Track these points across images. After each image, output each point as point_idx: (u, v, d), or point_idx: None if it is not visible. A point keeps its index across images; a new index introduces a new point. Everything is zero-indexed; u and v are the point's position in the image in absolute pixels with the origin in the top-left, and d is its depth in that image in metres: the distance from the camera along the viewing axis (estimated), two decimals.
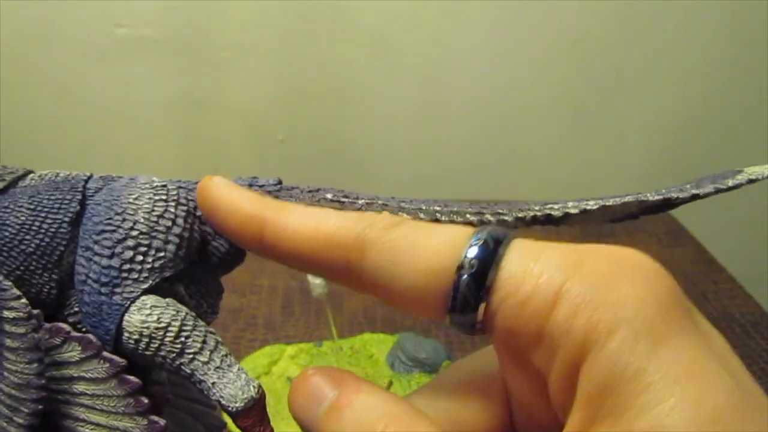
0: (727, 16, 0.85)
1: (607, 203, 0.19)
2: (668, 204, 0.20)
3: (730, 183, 0.20)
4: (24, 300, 0.21)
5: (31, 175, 0.25)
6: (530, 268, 0.16)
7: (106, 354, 0.21)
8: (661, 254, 0.70)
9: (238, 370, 0.21)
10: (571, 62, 0.87)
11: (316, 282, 0.59)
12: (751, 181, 0.20)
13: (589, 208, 0.20)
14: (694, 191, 0.20)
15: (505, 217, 0.21)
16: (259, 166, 0.92)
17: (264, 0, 0.81)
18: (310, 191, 0.23)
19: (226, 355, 0.21)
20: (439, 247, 0.17)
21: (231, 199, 0.20)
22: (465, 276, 0.16)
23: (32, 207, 0.23)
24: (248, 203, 0.20)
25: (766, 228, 0.96)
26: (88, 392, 0.21)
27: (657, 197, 0.19)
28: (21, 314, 0.21)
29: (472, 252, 0.16)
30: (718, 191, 0.20)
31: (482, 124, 0.91)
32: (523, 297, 0.15)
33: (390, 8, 0.82)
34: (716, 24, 0.86)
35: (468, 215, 0.21)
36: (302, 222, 0.18)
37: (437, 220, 0.21)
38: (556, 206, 0.20)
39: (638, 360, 0.14)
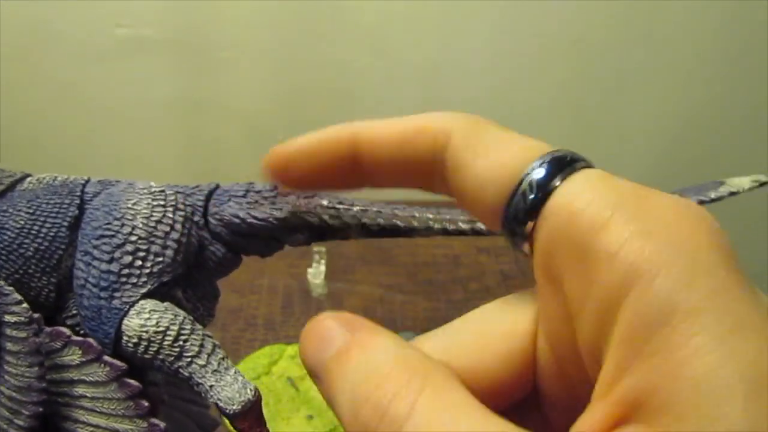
0: (727, 16, 0.85)
1: None
2: None
3: (712, 195, 0.20)
4: (25, 305, 0.21)
5: (29, 179, 0.25)
6: (591, 185, 0.15)
7: (106, 358, 0.21)
8: None
9: (235, 373, 0.22)
10: (571, 62, 0.87)
11: (316, 282, 0.59)
12: (732, 194, 0.20)
13: None
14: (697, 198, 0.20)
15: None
16: (259, 166, 0.92)
17: (264, 0, 0.81)
18: (305, 197, 0.23)
19: (223, 358, 0.22)
20: (516, 150, 0.17)
21: (311, 138, 0.20)
22: (528, 182, 0.16)
23: (31, 211, 0.23)
24: (329, 131, 0.20)
25: (766, 228, 0.96)
26: (88, 395, 0.21)
27: None
28: (22, 318, 0.21)
29: (544, 163, 0.16)
30: (701, 203, 0.20)
31: None
32: (575, 209, 0.15)
33: (390, 8, 0.82)
34: (716, 24, 0.86)
35: (460, 224, 0.21)
36: (391, 123, 0.19)
37: (429, 228, 0.22)
38: None
39: (696, 299, 0.13)
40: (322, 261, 0.64)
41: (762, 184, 0.20)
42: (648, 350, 0.13)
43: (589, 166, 0.16)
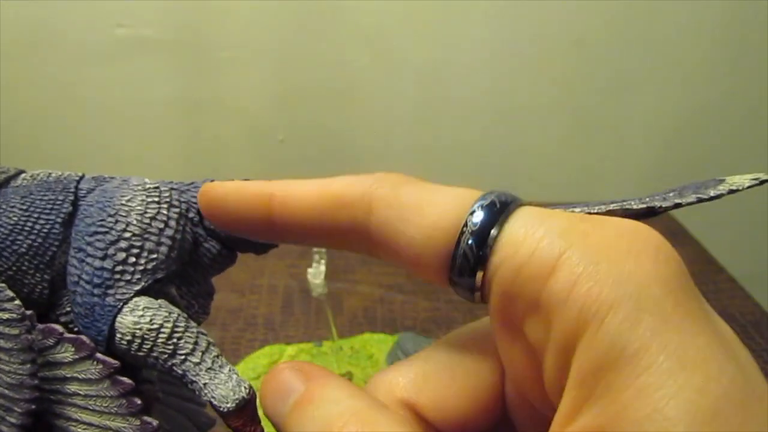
0: (727, 17, 0.85)
1: (592, 210, 0.19)
2: (651, 212, 0.20)
3: (712, 193, 0.20)
4: (18, 301, 0.21)
5: (23, 175, 0.25)
6: (532, 231, 0.15)
7: (99, 355, 0.21)
8: None
9: (230, 371, 0.21)
10: (571, 62, 0.87)
11: (316, 282, 0.59)
12: (731, 191, 0.20)
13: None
14: (677, 200, 0.20)
15: None
16: (259, 166, 0.92)
17: (264, 0, 0.81)
18: None
19: (217, 356, 0.22)
20: (445, 205, 0.16)
21: (234, 188, 0.20)
22: (467, 236, 0.16)
23: (24, 207, 0.23)
24: (252, 185, 0.20)
25: (766, 228, 0.96)
26: (81, 393, 0.21)
27: (641, 205, 0.20)
28: (14, 315, 0.21)
29: (477, 213, 0.16)
30: (699, 200, 0.20)
31: (482, 124, 0.91)
32: (521, 260, 0.15)
33: (390, 8, 0.82)
34: (716, 24, 0.86)
35: None
36: (308, 188, 0.18)
37: None
38: None
39: (640, 339, 0.13)
40: (322, 261, 0.64)
41: (762, 182, 0.20)
42: (597, 393, 0.13)
43: (521, 204, 0.16)
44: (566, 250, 0.14)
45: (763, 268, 0.90)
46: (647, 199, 0.20)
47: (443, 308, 0.60)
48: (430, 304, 0.61)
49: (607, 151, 0.93)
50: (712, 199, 0.20)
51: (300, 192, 0.18)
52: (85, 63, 0.84)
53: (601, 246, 0.14)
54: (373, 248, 0.18)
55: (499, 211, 0.16)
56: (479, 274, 0.16)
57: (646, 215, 0.20)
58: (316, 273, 0.63)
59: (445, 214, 0.16)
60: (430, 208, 0.16)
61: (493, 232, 0.15)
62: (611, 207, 0.19)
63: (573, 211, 0.18)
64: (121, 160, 0.91)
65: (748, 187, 0.20)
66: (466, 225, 0.16)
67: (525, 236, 0.15)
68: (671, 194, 0.20)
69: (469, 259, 0.16)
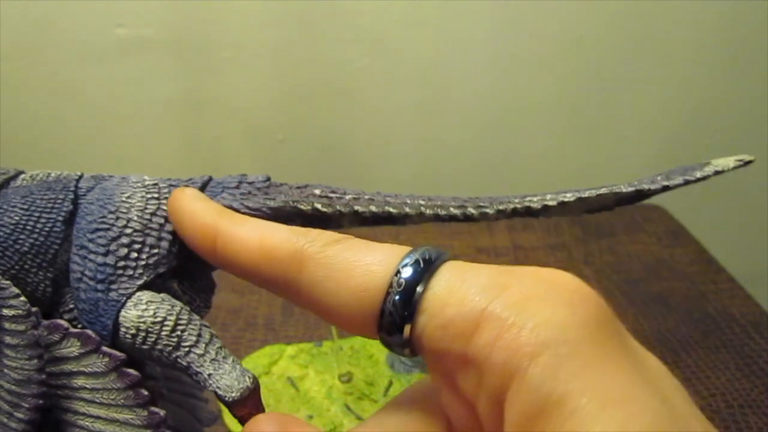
0: (727, 16, 0.85)
1: (584, 195, 0.20)
2: (641, 195, 0.20)
3: (698, 175, 0.21)
4: (23, 298, 0.21)
5: (23, 176, 0.25)
6: (455, 289, 0.15)
7: (105, 349, 0.21)
8: (661, 254, 0.70)
9: (233, 361, 0.22)
10: (571, 62, 0.87)
11: None
12: (717, 173, 0.21)
13: (566, 200, 0.20)
14: (665, 183, 0.20)
15: (487, 210, 0.21)
16: (259, 166, 0.92)
17: (264, 0, 0.81)
18: (298, 188, 0.24)
19: (221, 348, 0.22)
20: (372, 266, 0.17)
21: (192, 209, 0.21)
22: (393, 295, 0.16)
23: (26, 207, 0.23)
24: (207, 214, 0.20)
25: (766, 228, 0.96)
26: (87, 386, 0.21)
27: (630, 189, 0.20)
28: (20, 312, 0.21)
29: (404, 271, 0.16)
30: (686, 182, 0.20)
31: (482, 124, 0.91)
32: (446, 318, 0.15)
33: (390, 8, 0.83)
34: (716, 24, 0.86)
35: (452, 209, 0.22)
36: (249, 235, 0.19)
37: (422, 214, 0.22)
38: (535, 199, 0.21)
39: (562, 385, 0.13)
40: None
41: (746, 163, 0.21)
42: None
43: (446, 260, 0.17)
44: (488, 305, 0.15)
45: (763, 268, 0.90)
46: (636, 183, 0.20)
47: None
48: None
49: (607, 151, 0.93)
50: (698, 180, 0.20)
51: (241, 238, 0.19)
52: (85, 63, 0.84)
53: (520, 297, 0.15)
54: (305, 304, 0.18)
55: (424, 269, 0.16)
56: (406, 333, 0.16)
57: (636, 198, 0.21)
58: None
59: (372, 274, 0.17)
60: (357, 268, 0.17)
61: (419, 289, 0.16)
62: (602, 191, 0.20)
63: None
64: (121, 160, 0.91)
65: (733, 168, 0.20)
66: (391, 285, 0.16)
67: (449, 295, 0.15)
68: (659, 177, 0.21)
69: (395, 318, 0.16)
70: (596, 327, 0.14)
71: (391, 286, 0.16)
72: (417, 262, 0.16)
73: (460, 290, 0.15)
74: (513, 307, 0.14)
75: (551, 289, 0.15)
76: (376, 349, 0.53)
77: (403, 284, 0.16)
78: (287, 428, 0.17)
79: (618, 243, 0.73)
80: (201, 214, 0.20)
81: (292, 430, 0.17)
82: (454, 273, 0.16)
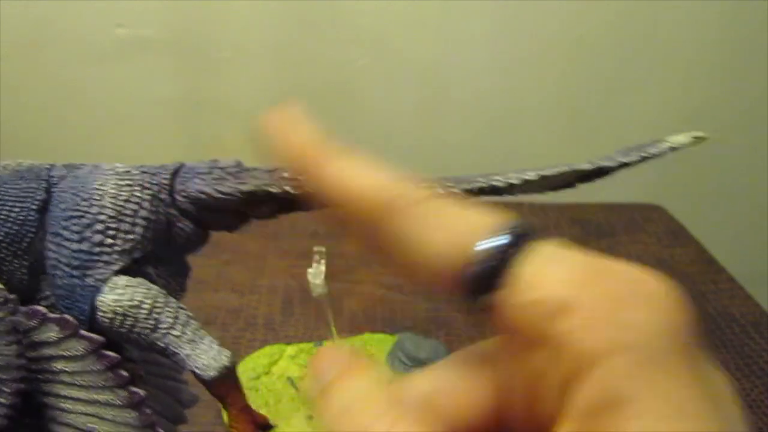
0: (727, 16, 0.85)
1: (545, 173, 0.21)
2: (601, 171, 0.21)
3: (653, 151, 0.21)
4: (0, 285, 0.21)
5: None
6: (546, 271, 0.15)
7: (83, 332, 0.22)
8: (661, 254, 0.70)
9: (210, 341, 0.22)
10: (571, 62, 0.87)
11: (316, 282, 0.59)
12: (672, 149, 0.21)
13: (529, 178, 0.21)
14: (622, 159, 0.21)
15: (453, 190, 0.22)
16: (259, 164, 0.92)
17: (264, 0, 0.81)
18: (268, 171, 0.24)
19: (197, 329, 0.22)
20: (464, 230, 0.17)
21: (296, 129, 0.21)
22: (481, 264, 0.16)
23: None
24: (308, 142, 0.20)
25: (766, 228, 0.96)
26: (67, 370, 0.22)
27: (589, 166, 0.21)
28: None
29: (495, 241, 0.16)
30: (643, 159, 0.21)
31: (482, 124, 0.91)
32: (532, 298, 0.15)
33: (390, 8, 0.82)
34: (716, 24, 0.86)
35: None
36: (350, 172, 0.19)
37: None
38: (500, 177, 0.22)
39: (635, 387, 0.14)
40: (322, 261, 0.64)
41: (700, 139, 0.22)
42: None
43: (541, 237, 0.17)
44: (579, 293, 0.15)
45: (763, 268, 0.90)
46: (595, 161, 0.21)
47: (443, 308, 0.60)
48: (430, 305, 0.61)
49: (607, 151, 0.93)
50: (654, 156, 0.21)
51: (340, 171, 0.19)
52: (85, 63, 0.84)
53: (613, 293, 0.15)
54: (388, 254, 0.18)
55: (522, 241, 0.16)
56: (491, 299, 0.16)
57: (595, 175, 0.21)
58: (316, 273, 0.63)
59: (462, 239, 0.17)
60: (448, 230, 0.17)
61: (509, 262, 0.16)
62: (563, 169, 0.21)
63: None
64: (121, 160, 0.91)
65: (687, 144, 0.21)
66: (481, 254, 0.16)
67: (539, 275, 0.15)
68: (617, 155, 0.21)
69: (480, 288, 0.16)
70: (679, 338, 0.15)
71: (481, 254, 0.16)
72: (512, 234, 0.16)
73: (555, 272, 0.15)
74: (604, 301, 0.15)
75: (642, 292, 0.15)
76: (376, 349, 0.53)
77: (494, 255, 0.16)
78: (350, 360, 0.18)
79: (618, 243, 0.72)
80: (300, 141, 0.20)
81: (345, 367, 0.18)
82: (551, 252, 0.16)
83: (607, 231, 0.75)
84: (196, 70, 0.85)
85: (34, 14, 0.80)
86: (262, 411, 0.47)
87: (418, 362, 0.50)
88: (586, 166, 0.21)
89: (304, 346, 0.53)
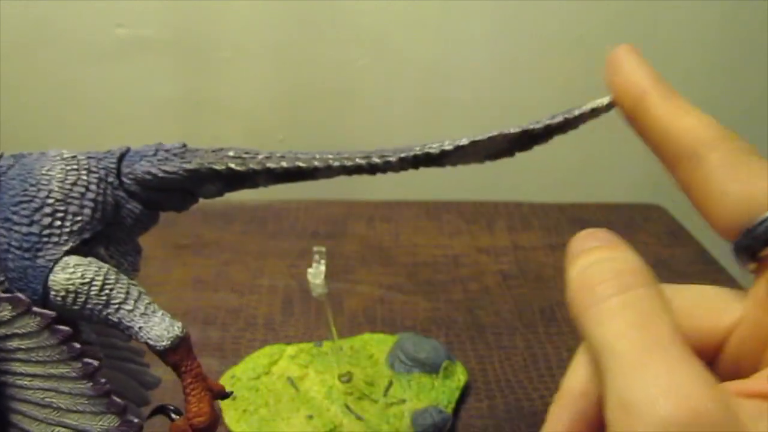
0: (727, 16, 0.85)
1: (476, 139, 0.23)
2: (528, 135, 0.23)
3: (576, 112, 0.24)
4: None
5: None
6: None
7: (36, 309, 0.22)
8: (661, 254, 0.70)
9: (162, 314, 0.23)
10: (571, 62, 0.87)
11: (316, 282, 0.59)
12: (593, 110, 0.24)
13: (461, 144, 0.23)
14: (547, 122, 0.23)
15: (390, 158, 0.23)
16: None
17: (264, 0, 0.81)
18: (213, 151, 0.25)
19: (149, 303, 0.23)
20: (758, 190, 0.19)
21: (631, 65, 0.24)
22: (764, 223, 0.18)
23: None
24: (641, 73, 0.23)
25: None
26: (23, 347, 0.22)
27: (517, 130, 0.23)
28: None
29: None
30: (566, 120, 0.23)
31: (482, 124, 0.90)
32: None
33: (390, 8, 0.83)
34: (716, 24, 0.86)
35: (357, 159, 0.23)
36: (667, 110, 0.22)
37: (329, 167, 0.24)
38: (434, 146, 0.24)
39: None
40: (322, 261, 0.64)
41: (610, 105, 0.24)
42: None
43: None
44: None
45: None
46: (522, 126, 0.23)
47: (443, 308, 0.60)
48: (430, 304, 0.61)
49: (607, 151, 0.93)
50: (576, 118, 0.23)
51: (665, 108, 0.22)
52: (85, 63, 0.84)
53: None
54: (687, 187, 0.21)
55: None
56: (761, 256, 0.18)
57: (523, 140, 0.23)
58: (316, 273, 0.63)
59: (756, 196, 0.19)
60: (758, 175, 0.19)
61: None
62: (492, 134, 0.23)
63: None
64: None
65: (608, 104, 0.23)
66: None
67: None
68: (544, 119, 0.23)
69: (758, 243, 0.18)
70: None
71: None
72: None
73: None
74: None
75: None
76: (376, 349, 0.53)
77: None
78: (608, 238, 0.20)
79: None
80: (641, 73, 0.23)
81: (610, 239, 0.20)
82: None
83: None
84: (196, 70, 0.85)
85: (34, 14, 0.80)
86: (262, 410, 0.47)
87: (418, 362, 0.50)
88: (514, 130, 0.23)
89: (304, 346, 0.53)
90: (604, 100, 0.23)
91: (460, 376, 0.50)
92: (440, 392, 0.49)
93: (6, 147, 0.83)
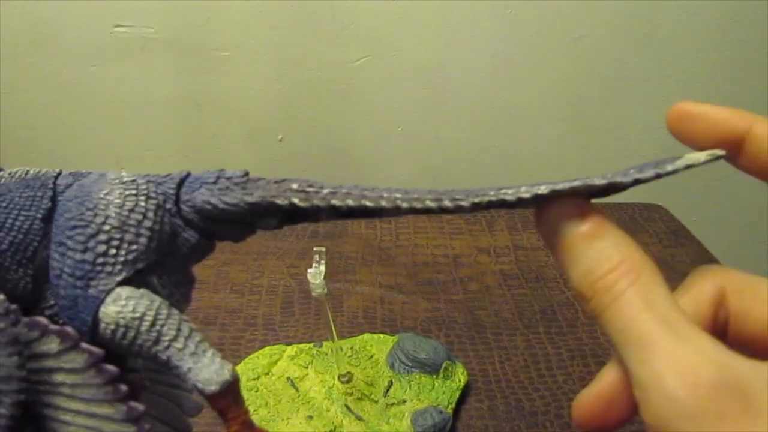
0: (727, 16, 0.85)
1: (557, 188, 0.20)
2: (614, 187, 0.21)
3: (669, 168, 0.21)
4: (2, 296, 0.21)
5: (1, 173, 0.25)
6: None
7: (84, 345, 0.21)
8: (662, 254, 0.70)
9: (212, 354, 0.22)
10: (571, 61, 0.87)
11: (316, 282, 0.59)
12: (688, 167, 0.22)
13: (540, 192, 0.21)
14: (637, 176, 0.21)
15: (462, 203, 0.22)
16: (259, 165, 0.92)
17: (264, 0, 0.81)
18: (276, 182, 0.24)
19: (200, 341, 0.22)
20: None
21: (715, 112, 0.22)
22: None
23: (4, 205, 0.23)
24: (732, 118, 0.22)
25: (766, 228, 0.96)
26: (67, 382, 0.21)
27: (603, 182, 0.21)
28: None
29: None
30: (658, 176, 0.21)
31: (482, 123, 0.91)
32: None
33: (390, 8, 0.82)
34: (716, 23, 0.86)
35: (427, 202, 0.22)
36: None
37: (398, 207, 0.22)
38: (510, 191, 0.21)
39: None
40: (322, 261, 0.64)
41: (718, 158, 0.21)
42: None
43: None
44: None
45: (763, 268, 0.89)
46: (609, 176, 0.21)
47: (443, 308, 0.60)
48: (430, 304, 0.61)
49: (607, 151, 0.93)
50: (669, 173, 0.21)
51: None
52: (85, 63, 0.84)
53: None
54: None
55: None
56: None
57: (607, 191, 0.21)
58: (316, 273, 0.63)
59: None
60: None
61: None
62: (575, 184, 0.21)
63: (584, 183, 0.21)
64: (121, 160, 0.91)
65: (704, 162, 0.21)
66: None
67: None
68: (632, 171, 0.21)
69: None
70: None
71: None
72: None
73: None
74: None
75: None
76: (376, 349, 0.53)
77: None
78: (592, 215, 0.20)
79: None
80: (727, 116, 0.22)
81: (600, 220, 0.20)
82: None
83: None
84: (196, 70, 0.85)
85: (34, 14, 0.80)
86: (262, 411, 0.47)
87: (418, 362, 0.50)
88: (599, 181, 0.21)
89: (304, 346, 0.53)
90: (701, 157, 0.21)
91: (460, 377, 0.50)
92: (440, 393, 0.48)
93: (6, 147, 0.83)
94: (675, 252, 0.71)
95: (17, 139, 0.87)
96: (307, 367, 0.51)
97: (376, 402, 0.48)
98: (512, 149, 0.93)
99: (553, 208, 0.20)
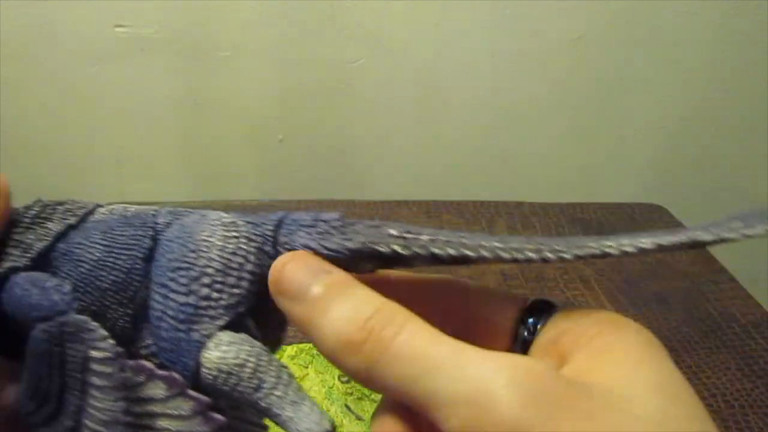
0: (727, 16, 0.85)
1: (662, 242, 0.20)
2: (722, 242, 0.20)
3: (749, 233, 0.20)
4: (111, 340, 0.21)
5: (100, 210, 0.25)
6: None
7: (190, 392, 0.21)
8: (662, 254, 0.70)
9: (311, 403, 0.22)
10: (571, 61, 0.87)
11: None
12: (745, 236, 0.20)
13: (644, 246, 0.20)
14: (744, 231, 0.20)
15: (564, 255, 0.21)
16: (259, 165, 0.92)
17: (264, 0, 0.81)
18: (372, 226, 0.23)
19: (299, 389, 0.22)
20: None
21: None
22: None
23: (106, 243, 0.23)
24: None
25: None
26: (172, 428, 0.21)
27: (710, 237, 0.20)
28: (108, 354, 0.21)
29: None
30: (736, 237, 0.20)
31: (482, 124, 0.91)
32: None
33: (389, 8, 0.82)
34: (716, 24, 0.86)
35: (528, 252, 0.21)
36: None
37: (499, 257, 0.22)
38: (613, 244, 0.21)
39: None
40: None
41: None
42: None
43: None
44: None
45: (763, 268, 0.90)
46: (715, 231, 0.20)
47: None
48: None
49: (607, 151, 0.93)
50: (723, 241, 0.20)
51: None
52: (85, 63, 0.84)
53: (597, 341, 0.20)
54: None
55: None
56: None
57: (690, 246, 0.20)
58: None
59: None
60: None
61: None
62: (681, 239, 0.20)
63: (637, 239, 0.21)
64: (121, 160, 0.91)
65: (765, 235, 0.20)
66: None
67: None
68: (739, 225, 0.20)
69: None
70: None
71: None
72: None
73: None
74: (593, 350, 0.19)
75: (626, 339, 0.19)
76: None
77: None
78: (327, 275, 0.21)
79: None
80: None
81: (333, 280, 0.21)
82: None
83: (607, 231, 0.75)
84: (196, 69, 0.85)
85: (34, 14, 0.80)
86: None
87: None
88: (706, 236, 0.20)
89: (304, 346, 0.53)
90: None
91: None
92: None
93: (6, 147, 0.83)
94: (675, 252, 0.71)
95: (17, 139, 0.87)
96: (307, 367, 0.51)
97: (376, 402, 0.48)
98: (511, 149, 0.93)
99: (282, 275, 0.21)
